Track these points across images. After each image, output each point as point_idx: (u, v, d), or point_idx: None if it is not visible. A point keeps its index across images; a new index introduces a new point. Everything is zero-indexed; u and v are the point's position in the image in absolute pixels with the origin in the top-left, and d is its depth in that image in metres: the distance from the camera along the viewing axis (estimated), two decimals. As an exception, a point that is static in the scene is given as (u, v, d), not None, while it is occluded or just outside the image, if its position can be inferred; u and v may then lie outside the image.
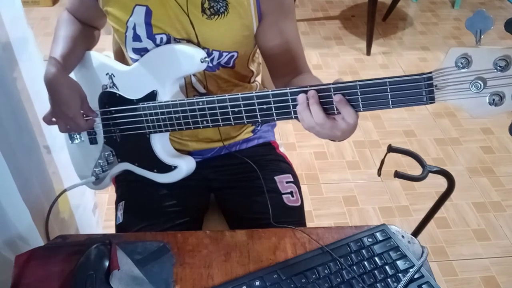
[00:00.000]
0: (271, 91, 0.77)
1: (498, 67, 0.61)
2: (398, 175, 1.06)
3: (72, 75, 1.01)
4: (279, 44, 0.95)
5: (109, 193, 1.89)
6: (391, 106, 0.69)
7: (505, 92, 0.61)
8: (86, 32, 1.05)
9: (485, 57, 0.62)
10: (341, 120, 0.73)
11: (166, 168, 0.97)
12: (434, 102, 0.67)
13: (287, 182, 1.06)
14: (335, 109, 0.73)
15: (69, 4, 1.06)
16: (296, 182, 1.09)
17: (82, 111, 0.96)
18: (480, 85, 0.62)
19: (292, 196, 1.05)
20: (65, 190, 1.00)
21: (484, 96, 0.63)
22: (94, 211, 1.69)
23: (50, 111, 0.98)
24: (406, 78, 0.68)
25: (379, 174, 1.13)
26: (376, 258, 0.81)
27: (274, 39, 0.95)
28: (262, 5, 0.91)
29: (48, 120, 0.98)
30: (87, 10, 1.02)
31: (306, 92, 0.74)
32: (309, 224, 1.07)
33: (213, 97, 0.83)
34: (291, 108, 0.77)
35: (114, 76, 0.98)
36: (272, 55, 0.98)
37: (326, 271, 0.78)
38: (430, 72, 0.66)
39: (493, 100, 0.62)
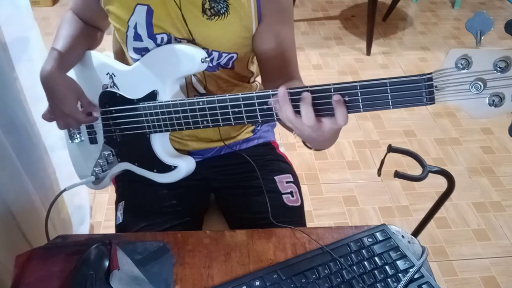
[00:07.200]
0: (272, 91, 0.77)
1: (498, 68, 0.61)
2: (398, 175, 1.06)
3: (72, 74, 1.01)
4: (274, 48, 0.95)
5: (109, 193, 1.89)
6: (391, 107, 0.69)
7: (505, 93, 0.61)
8: (88, 32, 1.05)
9: (485, 58, 0.62)
10: (329, 122, 0.72)
11: (166, 168, 0.96)
12: (434, 103, 0.67)
13: (287, 182, 1.07)
14: (329, 111, 0.73)
15: (72, 4, 1.06)
16: (296, 182, 1.09)
17: (82, 107, 0.97)
18: (480, 86, 0.62)
19: (292, 196, 1.05)
20: (64, 190, 1.00)
21: (484, 97, 0.63)
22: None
23: (48, 109, 0.98)
24: (406, 78, 0.68)
25: (379, 174, 1.13)
26: (376, 258, 0.81)
27: (270, 42, 0.95)
28: (263, 7, 0.91)
29: (48, 118, 0.99)
30: (90, 10, 1.02)
31: (299, 93, 0.73)
32: (309, 224, 1.07)
33: (214, 97, 0.83)
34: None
35: (114, 76, 0.98)
36: (266, 59, 0.97)
37: (326, 271, 0.78)
38: (431, 73, 0.66)
39: (493, 101, 0.62)
